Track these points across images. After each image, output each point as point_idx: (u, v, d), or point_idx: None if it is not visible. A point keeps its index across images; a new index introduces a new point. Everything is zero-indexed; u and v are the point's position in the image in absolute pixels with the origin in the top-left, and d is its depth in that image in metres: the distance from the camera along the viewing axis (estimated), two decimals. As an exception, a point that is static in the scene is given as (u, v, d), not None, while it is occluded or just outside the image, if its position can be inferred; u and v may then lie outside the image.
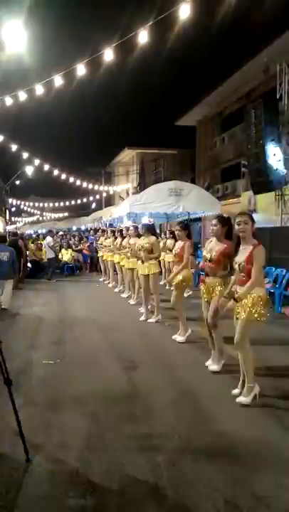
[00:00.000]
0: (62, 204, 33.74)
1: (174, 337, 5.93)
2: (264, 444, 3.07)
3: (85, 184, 25.16)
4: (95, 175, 29.48)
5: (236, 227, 3.81)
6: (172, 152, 26.74)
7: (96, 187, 27.19)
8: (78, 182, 24.23)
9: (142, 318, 7.40)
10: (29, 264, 13.90)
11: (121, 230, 10.78)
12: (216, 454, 2.94)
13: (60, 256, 15.65)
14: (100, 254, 12.99)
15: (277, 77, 12.61)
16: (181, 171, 25.34)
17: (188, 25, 7.64)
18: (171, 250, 11.21)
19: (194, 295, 9.83)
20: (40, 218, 41.55)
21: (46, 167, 19.73)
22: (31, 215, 43.06)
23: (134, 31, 7.61)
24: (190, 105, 20.62)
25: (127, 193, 27.65)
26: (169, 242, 11.49)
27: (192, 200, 13.41)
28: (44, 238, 15.48)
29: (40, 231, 26.67)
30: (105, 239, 12.21)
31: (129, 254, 8.70)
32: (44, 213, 41.36)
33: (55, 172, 20.91)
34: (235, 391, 3.90)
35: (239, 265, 3.75)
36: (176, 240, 7.37)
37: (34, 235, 19.67)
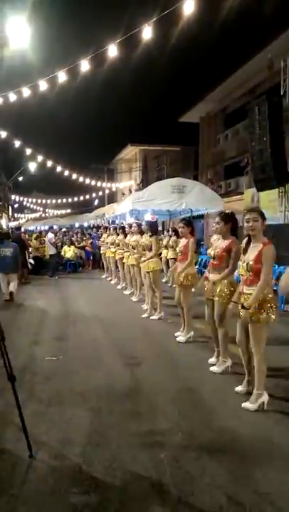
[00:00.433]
0: (64, 201, 33.76)
1: (176, 334, 5.91)
2: (267, 441, 3.07)
3: (87, 181, 25.15)
4: (97, 171, 29.46)
5: (245, 224, 3.64)
6: (175, 149, 26.67)
7: (99, 184, 27.17)
8: (81, 179, 24.23)
9: (145, 315, 7.40)
10: (32, 261, 13.92)
11: (123, 227, 10.78)
12: (219, 450, 2.94)
13: (62, 253, 15.67)
14: (102, 251, 12.99)
15: (281, 73, 12.54)
16: (184, 167, 25.29)
17: (191, 22, 7.60)
18: (172, 247, 11.27)
19: (198, 292, 9.84)
20: (43, 215, 41.61)
21: (49, 164, 19.73)
22: (34, 211, 43.14)
23: (138, 27, 7.58)
24: (193, 102, 20.54)
25: (130, 190, 27.63)
26: (172, 239, 11.49)
27: (195, 197, 13.39)
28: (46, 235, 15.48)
29: (42, 227, 26.70)
30: (108, 236, 12.21)
31: (134, 250, 8.68)
32: (47, 210, 41.42)
33: (58, 169, 20.91)
34: (238, 388, 3.90)
35: (247, 264, 3.60)
36: (178, 237, 7.36)
37: (37, 232, 19.65)
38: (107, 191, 29.91)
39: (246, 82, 16.74)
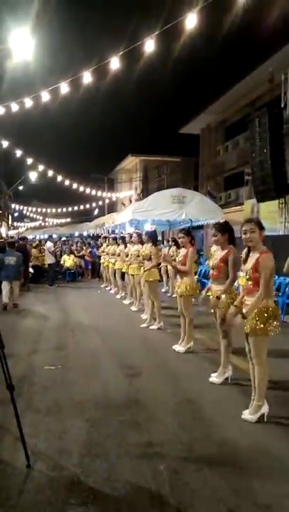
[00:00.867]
0: (64, 210, 33.85)
1: (174, 347, 5.84)
2: (267, 453, 3.04)
3: (88, 190, 25.26)
4: (98, 181, 29.60)
5: (243, 236, 3.65)
6: (175, 160, 26.85)
7: (99, 193, 27.28)
8: (81, 188, 24.34)
9: (144, 324, 7.38)
10: (31, 269, 13.91)
11: (123, 237, 10.79)
12: (219, 462, 2.91)
13: (62, 262, 15.67)
14: (102, 260, 12.98)
15: (281, 86, 12.68)
16: (184, 178, 25.43)
17: (193, 35, 7.71)
18: (172, 258, 11.28)
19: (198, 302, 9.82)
20: (43, 224, 41.69)
21: (50, 173, 19.84)
22: (34, 220, 43.23)
23: (140, 40, 7.69)
24: (194, 113, 20.74)
25: (130, 200, 27.74)
26: (172, 249, 11.50)
27: (195, 207, 13.44)
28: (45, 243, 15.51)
29: (42, 236, 26.73)
30: (107, 246, 12.22)
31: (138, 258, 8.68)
32: (47, 219, 41.52)
33: (59, 178, 21.02)
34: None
35: (246, 273, 3.60)
36: (178, 248, 7.37)
37: (37, 241, 19.68)
38: (107, 201, 30.02)
39: (247, 94, 16.93)
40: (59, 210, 34.85)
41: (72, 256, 16.02)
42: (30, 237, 28.38)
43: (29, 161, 17.06)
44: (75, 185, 23.34)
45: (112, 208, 31.41)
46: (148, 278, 7.26)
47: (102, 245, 13.03)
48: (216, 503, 2.45)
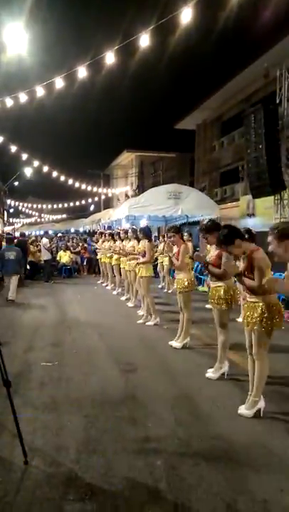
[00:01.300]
0: (60, 206, 33.74)
1: (170, 343, 5.85)
2: (264, 448, 3.06)
3: (83, 186, 25.19)
4: (93, 177, 29.51)
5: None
6: (171, 155, 26.81)
7: (95, 189, 27.22)
8: (77, 184, 24.27)
9: (141, 320, 7.38)
10: (27, 266, 13.88)
11: (119, 233, 10.76)
12: (216, 457, 2.93)
13: (58, 258, 15.63)
14: (99, 256, 12.94)
15: (277, 82, 12.66)
16: (180, 174, 25.41)
17: (189, 30, 7.69)
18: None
19: (194, 298, 9.84)
20: (39, 220, 41.53)
21: (45, 169, 19.77)
22: (29, 216, 43.06)
23: (136, 35, 7.65)
24: (190, 109, 20.70)
25: (126, 196, 27.69)
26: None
27: (191, 203, 13.44)
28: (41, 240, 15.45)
29: (38, 232, 26.63)
30: (102, 242, 12.18)
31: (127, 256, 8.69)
32: (42, 215, 41.37)
33: (54, 174, 20.94)
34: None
35: (244, 273, 3.60)
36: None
37: (33, 237, 19.63)
38: (103, 197, 29.95)
39: (242, 90, 16.92)
40: (55, 206, 34.72)
41: (68, 252, 15.98)
42: (26, 233, 28.31)
43: (24, 156, 16.99)
44: (70, 181, 23.27)
45: (107, 203, 31.34)
46: (143, 274, 7.26)
47: (98, 241, 12.98)
48: (212, 498, 2.47)
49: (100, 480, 2.65)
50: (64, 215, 38.65)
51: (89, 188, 26.16)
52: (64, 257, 15.70)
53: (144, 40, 7.62)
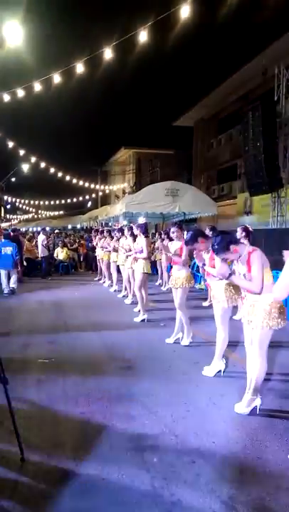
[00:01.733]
0: (57, 202, 33.64)
1: (167, 340, 5.86)
2: (261, 445, 3.07)
3: (81, 183, 25.13)
4: (91, 173, 29.44)
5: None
6: (169, 152, 26.77)
7: (92, 186, 27.16)
8: (74, 180, 24.20)
9: (137, 318, 7.39)
10: (24, 262, 13.85)
11: (121, 230, 10.67)
12: (212, 454, 2.93)
13: (55, 254, 15.61)
14: (97, 253, 12.90)
15: (275, 79, 12.67)
16: (178, 171, 25.38)
17: (187, 27, 7.67)
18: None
19: (190, 295, 9.85)
20: (36, 216, 41.41)
21: (42, 165, 19.69)
22: (26, 212, 42.92)
23: (134, 31, 7.62)
24: (187, 106, 20.67)
25: (123, 192, 27.65)
26: (165, 242, 11.45)
27: (188, 200, 13.46)
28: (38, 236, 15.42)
29: (34, 229, 26.57)
30: (99, 239, 12.15)
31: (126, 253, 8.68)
32: (39, 211, 41.25)
33: (51, 170, 20.87)
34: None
35: (244, 275, 3.55)
36: (171, 241, 7.35)
37: (30, 233, 19.59)
38: (100, 193, 29.89)
39: (240, 87, 16.90)
40: (52, 202, 34.61)
41: (65, 249, 15.96)
42: (23, 229, 28.25)
43: (21, 152, 16.91)
44: (68, 177, 23.20)
45: (105, 200, 31.29)
46: (140, 270, 7.26)
47: (95, 238, 12.93)
48: (209, 495, 2.48)
49: (97, 477, 2.65)
50: (61, 212, 38.54)
51: (86, 185, 26.08)
52: (61, 253, 15.67)
53: (143, 36, 7.59)
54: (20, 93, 9.96)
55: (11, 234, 12.55)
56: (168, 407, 3.71)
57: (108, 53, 8.16)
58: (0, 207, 32.73)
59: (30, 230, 26.80)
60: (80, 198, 30.85)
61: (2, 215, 34.75)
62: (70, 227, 30.20)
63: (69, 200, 31.92)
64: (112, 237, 10.69)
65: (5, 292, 10.07)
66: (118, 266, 10.12)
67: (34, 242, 15.55)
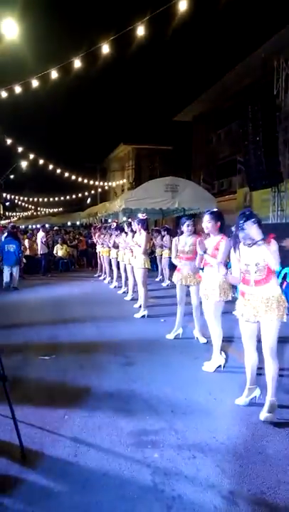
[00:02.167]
0: (57, 199, 33.57)
1: (167, 336, 5.83)
2: (262, 440, 3.07)
3: (80, 179, 25.07)
4: (90, 170, 29.35)
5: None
6: (168, 148, 26.68)
7: (91, 182, 27.09)
8: (73, 177, 24.14)
9: (137, 313, 7.38)
10: (24, 259, 13.84)
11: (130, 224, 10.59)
12: (213, 450, 2.93)
13: (54, 251, 15.59)
14: (98, 250, 12.86)
15: (274, 73, 12.61)
16: (177, 167, 25.30)
17: (185, 21, 7.61)
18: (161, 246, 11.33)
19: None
20: (35, 213, 41.32)
21: (41, 161, 19.64)
22: (26, 209, 42.83)
23: (132, 26, 7.57)
24: (187, 101, 20.59)
25: (123, 189, 27.60)
26: (166, 238, 11.42)
27: (188, 196, 13.42)
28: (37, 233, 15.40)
29: (34, 226, 26.53)
30: (98, 236, 12.12)
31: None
32: (39, 208, 41.16)
33: (50, 167, 20.81)
34: (240, 401, 3.67)
35: (256, 265, 3.38)
36: (171, 236, 7.31)
37: (30, 231, 19.58)
38: (99, 190, 29.83)
39: (240, 81, 16.80)
40: (51, 199, 34.53)
41: (64, 246, 15.94)
42: (22, 226, 28.21)
43: (20, 149, 16.86)
44: (66, 174, 23.15)
45: (104, 196, 31.23)
46: (139, 265, 7.25)
47: (95, 235, 12.89)
48: (209, 490, 2.48)
49: (98, 473, 2.65)
50: (60, 209, 38.47)
51: (85, 181, 26.02)
52: (61, 250, 15.66)
53: (141, 31, 7.54)
54: (18, 89, 9.90)
55: (11, 230, 12.62)
56: (168, 402, 3.71)
57: (106, 48, 8.11)
58: (-1, 204, 32.67)
59: (30, 227, 26.75)
60: (80, 195, 30.80)
61: (1, 212, 34.69)
62: (69, 224, 30.14)
63: (68, 197, 31.86)
64: (111, 235, 10.59)
65: (8, 287, 10.38)
66: (118, 262, 10.10)
67: (34, 239, 15.53)
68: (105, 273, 12.26)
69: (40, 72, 9.36)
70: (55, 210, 38.83)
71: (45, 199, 35.31)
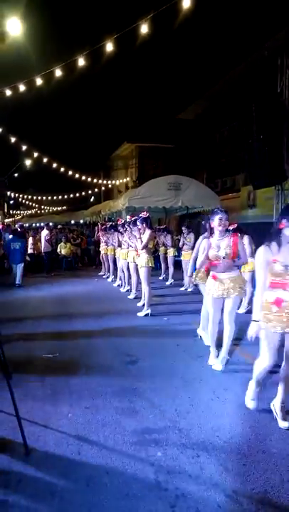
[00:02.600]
0: (60, 197, 33.57)
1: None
2: (265, 439, 3.06)
3: (83, 178, 25.06)
4: (93, 168, 29.33)
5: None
6: (171, 146, 26.61)
7: (95, 180, 27.08)
8: (77, 175, 24.14)
9: (141, 312, 7.38)
10: (28, 258, 13.90)
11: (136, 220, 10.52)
12: (216, 449, 2.93)
13: (58, 249, 15.61)
14: (101, 249, 12.85)
15: (278, 71, 12.54)
16: (180, 165, 25.24)
17: (189, 19, 7.57)
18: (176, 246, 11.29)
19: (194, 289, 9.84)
20: (39, 211, 41.36)
21: (45, 160, 19.64)
22: (30, 208, 42.87)
23: (135, 24, 7.54)
24: (190, 99, 20.52)
25: (126, 187, 27.59)
26: (168, 237, 11.37)
27: (191, 194, 13.37)
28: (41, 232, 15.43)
29: (38, 224, 26.57)
30: (103, 235, 12.10)
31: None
32: (42, 206, 41.19)
33: (54, 165, 20.80)
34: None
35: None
36: (173, 235, 7.25)
37: (33, 228, 19.63)
38: (103, 188, 29.81)
39: (243, 79, 16.71)
40: (55, 197, 34.53)
41: (68, 244, 15.96)
42: (26, 225, 28.25)
43: (23, 147, 16.85)
44: (70, 173, 23.14)
45: (108, 195, 31.21)
46: (143, 264, 7.25)
47: (98, 232, 12.88)
48: (213, 489, 2.48)
49: (101, 471, 2.66)
50: (64, 207, 38.48)
51: (89, 180, 26.00)
52: (64, 248, 15.68)
53: (144, 28, 7.51)
54: (22, 87, 9.90)
55: (18, 230, 12.89)
56: (172, 401, 3.71)
57: (109, 47, 8.09)
58: (3, 203, 32.71)
59: (34, 225, 26.78)
60: (83, 193, 30.79)
61: (5, 210, 34.75)
62: (73, 222, 30.16)
63: (72, 196, 31.85)
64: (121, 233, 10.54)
65: (17, 283, 10.82)
66: (116, 260, 10.11)
67: (38, 238, 15.56)
68: (109, 271, 12.26)
69: (44, 71, 9.35)
70: (59, 208, 38.86)
71: (49, 197, 35.33)
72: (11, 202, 38.40)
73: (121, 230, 9.97)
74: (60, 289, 10.75)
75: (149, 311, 7.21)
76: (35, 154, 18.78)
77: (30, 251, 14.75)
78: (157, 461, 2.76)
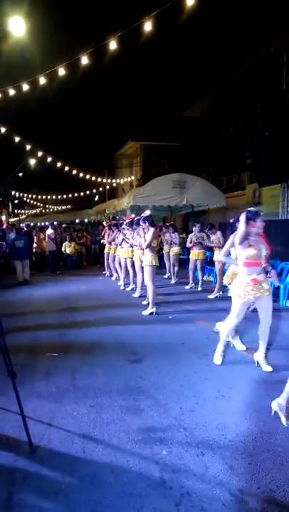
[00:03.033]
0: (65, 196, 33.63)
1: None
2: (271, 438, 3.04)
3: (88, 176, 25.07)
4: (98, 167, 29.32)
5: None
6: (176, 144, 26.54)
7: (99, 179, 27.09)
8: (81, 174, 24.15)
9: (145, 311, 7.37)
10: (33, 257, 13.97)
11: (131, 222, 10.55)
12: (221, 447, 2.92)
13: (63, 248, 15.63)
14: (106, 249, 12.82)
15: (283, 68, 12.47)
16: (185, 163, 25.18)
17: (193, 16, 7.54)
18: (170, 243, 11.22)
19: (196, 289, 9.81)
20: (43, 211, 41.50)
21: (49, 159, 19.67)
22: (34, 207, 43.01)
23: (140, 21, 7.52)
24: (195, 97, 20.46)
25: (131, 186, 27.57)
26: (174, 235, 11.31)
27: (196, 192, 13.33)
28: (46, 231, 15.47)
29: (42, 224, 26.66)
30: (108, 235, 12.08)
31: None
32: (47, 206, 41.32)
33: (58, 164, 20.83)
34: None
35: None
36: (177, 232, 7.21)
37: (38, 228, 19.68)
38: (107, 187, 29.82)
39: (248, 76, 16.63)
40: (59, 196, 34.61)
41: (73, 243, 15.98)
42: (31, 224, 28.33)
43: (28, 147, 16.88)
44: (74, 171, 23.16)
45: (112, 193, 31.22)
46: (147, 263, 7.23)
47: (104, 232, 12.85)
48: (218, 488, 2.46)
49: (106, 470, 2.65)
50: (69, 206, 38.56)
51: (93, 179, 26.02)
52: (69, 247, 15.70)
53: (148, 26, 7.49)
54: (26, 87, 9.91)
55: (25, 229, 13.34)
56: (177, 399, 3.70)
57: (114, 44, 8.07)
58: (8, 202, 32.80)
59: (38, 224, 26.87)
60: (88, 192, 30.81)
61: (10, 210, 34.85)
62: (77, 221, 30.21)
63: (76, 194, 31.90)
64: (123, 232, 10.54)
65: (19, 279, 11.13)
66: (119, 259, 10.10)
67: (42, 237, 15.58)
68: (114, 270, 12.25)
69: (48, 69, 9.34)
70: (64, 207, 38.95)
71: (54, 196, 35.42)
72: (16, 201, 38.51)
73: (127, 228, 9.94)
74: (65, 287, 10.76)
75: (154, 310, 7.19)
76: (40, 153, 18.81)
77: (34, 250, 14.79)
78: (162, 460, 2.75)
